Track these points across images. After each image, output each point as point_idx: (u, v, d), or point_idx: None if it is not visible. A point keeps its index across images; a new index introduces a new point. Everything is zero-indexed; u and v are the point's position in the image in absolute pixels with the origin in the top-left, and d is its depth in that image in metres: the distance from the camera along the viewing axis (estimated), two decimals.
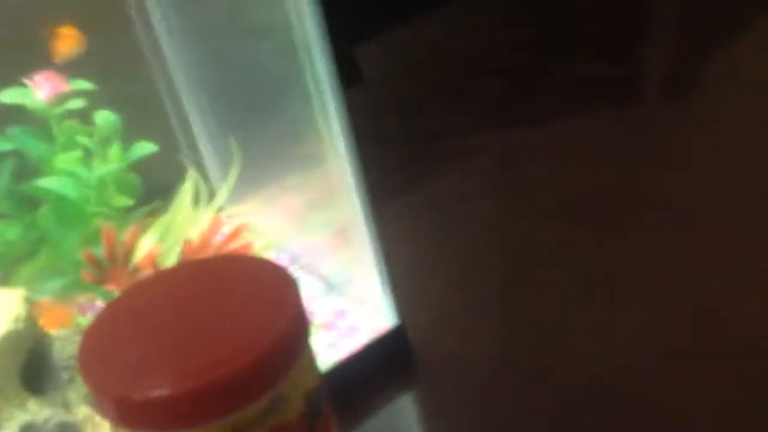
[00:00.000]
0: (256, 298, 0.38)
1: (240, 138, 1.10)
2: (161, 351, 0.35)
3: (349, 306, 1.07)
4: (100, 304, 1.16)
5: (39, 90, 0.98)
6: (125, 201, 1.02)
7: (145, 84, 1.18)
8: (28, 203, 1.00)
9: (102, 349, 0.36)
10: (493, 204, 1.44)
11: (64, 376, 0.94)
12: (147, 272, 0.88)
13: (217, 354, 0.34)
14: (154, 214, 1.05)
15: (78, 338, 1.01)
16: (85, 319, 1.11)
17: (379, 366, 1.02)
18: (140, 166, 1.06)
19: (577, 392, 0.96)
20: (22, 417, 0.84)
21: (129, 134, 1.06)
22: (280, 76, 0.99)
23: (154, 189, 1.09)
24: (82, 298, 1.16)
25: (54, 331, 0.97)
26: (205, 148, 1.23)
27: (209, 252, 0.94)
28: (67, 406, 0.90)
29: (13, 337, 0.84)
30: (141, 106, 1.16)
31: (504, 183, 1.51)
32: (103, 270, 0.88)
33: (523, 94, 1.86)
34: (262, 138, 1.11)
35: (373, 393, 1.01)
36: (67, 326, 1.04)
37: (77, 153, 1.00)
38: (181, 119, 1.21)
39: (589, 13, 2.16)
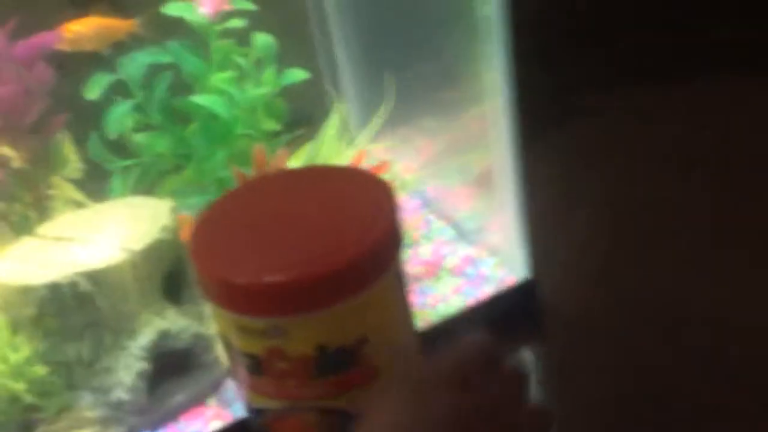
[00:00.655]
0: (351, 206, 0.41)
1: (387, 76, 1.09)
2: (260, 243, 0.39)
3: (480, 254, 1.05)
4: None
5: (201, 6, 0.99)
6: (273, 125, 1.02)
7: (300, 11, 1.18)
8: (179, 117, 1.02)
9: (210, 236, 0.41)
10: (634, 159, 1.39)
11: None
12: None
13: (303, 255, 0.38)
14: (298, 141, 1.05)
15: None
16: None
17: (506, 318, 1.01)
18: (288, 93, 1.06)
19: (710, 354, 0.91)
20: (160, 324, 0.87)
21: (281, 59, 1.05)
22: (441, 13, 0.97)
23: (298, 116, 1.09)
24: None
25: None
26: (351, 81, 1.22)
27: None
28: (201, 318, 0.92)
29: (159, 245, 0.86)
30: (294, 33, 1.16)
31: (646, 138, 1.46)
32: None
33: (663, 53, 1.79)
34: (410, 78, 1.09)
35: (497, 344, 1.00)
36: None
37: (232, 73, 1.01)
38: (331, 50, 1.21)
39: None
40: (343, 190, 0.45)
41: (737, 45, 1.72)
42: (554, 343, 1.01)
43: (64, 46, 0.96)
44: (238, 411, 0.88)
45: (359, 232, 0.42)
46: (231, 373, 0.44)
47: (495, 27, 0.87)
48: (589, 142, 1.46)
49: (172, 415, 0.88)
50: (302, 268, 0.41)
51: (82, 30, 0.97)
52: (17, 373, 0.79)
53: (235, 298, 0.41)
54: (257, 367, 0.40)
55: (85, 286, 0.81)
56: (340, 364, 0.40)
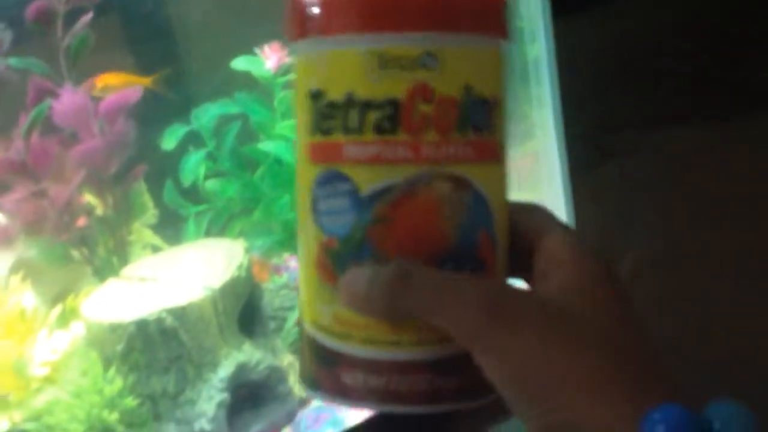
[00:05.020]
0: None
1: None
2: None
3: None
4: (294, 264, 1.25)
5: (266, 60, 1.06)
6: None
7: None
8: (247, 164, 1.08)
9: None
10: (668, 201, 1.43)
11: (272, 325, 1.02)
12: None
13: None
14: None
15: (284, 292, 1.09)
16: (281, 278, 1.19)
17: None
18: None
19: (756, 392, 0.96)
20: (238, 357, 0.92)
21: None
22: None
23: None
24: (277, 258, 1.24)
25: (263, 283, 1.06)
26: None
27: None
28: (274, 351, 0.98)
29: (236, 282, 0.93)
30: None
31: (678, 179, 1.50)
32: None
33: (696, 95, 1.86)
34: None
35: None
36: (265, 281, 1.12)
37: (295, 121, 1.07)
38: None
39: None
40: None
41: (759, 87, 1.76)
42: None
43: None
44: None
45: None
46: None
47: (543, 69, 0.92)
48: (633, 181, 1.51)
49: None
50: None
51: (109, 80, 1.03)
52: (111, 404, 0.85)
53: (384, 10, 0.35)
54: (393, 118, 0.35)
55: (170, 321, 0.87)
56: (477, 119, 0.36)
